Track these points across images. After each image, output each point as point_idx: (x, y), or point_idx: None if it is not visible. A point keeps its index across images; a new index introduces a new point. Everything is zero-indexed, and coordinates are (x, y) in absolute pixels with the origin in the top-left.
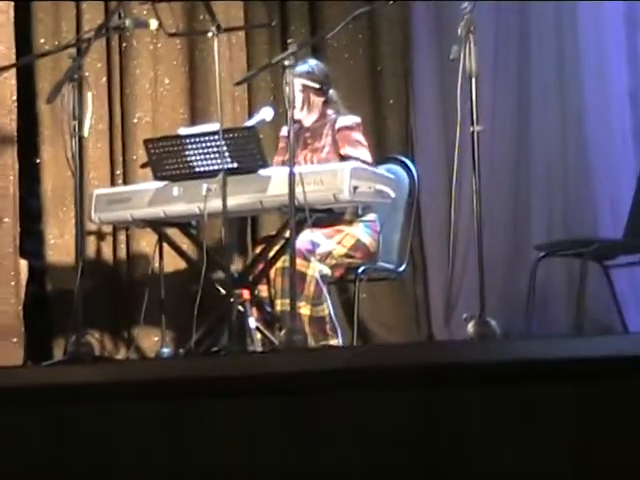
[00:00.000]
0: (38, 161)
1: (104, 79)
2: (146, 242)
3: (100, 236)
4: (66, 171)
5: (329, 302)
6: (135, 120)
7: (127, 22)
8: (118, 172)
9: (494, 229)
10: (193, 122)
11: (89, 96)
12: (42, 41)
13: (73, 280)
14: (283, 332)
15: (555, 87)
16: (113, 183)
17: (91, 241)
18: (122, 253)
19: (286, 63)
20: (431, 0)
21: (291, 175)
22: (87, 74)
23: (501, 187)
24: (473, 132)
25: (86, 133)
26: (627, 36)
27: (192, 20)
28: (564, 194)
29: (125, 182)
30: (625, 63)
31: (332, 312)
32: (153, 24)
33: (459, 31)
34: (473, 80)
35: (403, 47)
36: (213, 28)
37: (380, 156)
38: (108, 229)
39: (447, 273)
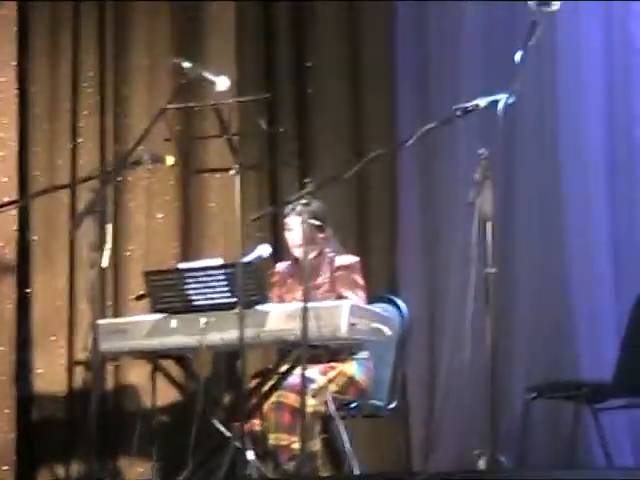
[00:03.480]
0: (29, 291)
1: None
2: (136, 374)
3: (88, 366)
4: (55, 301)
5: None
6: (127, 253)
7: (144, 157)
8: (109, 303)
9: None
10: (185, 257)
11: (109, 228)
12: (37, 173)
13: (58, 410)
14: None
15: (538, 232)
16: (103, 315)
17: (78, 372)
18: (109, 385)
19: (303, 202)
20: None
21: (304, 310)
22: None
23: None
24: (487, 274)
25: (105, 263)
26: (609, 183)
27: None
28: (545, 339)
29: (115, 314)
30: (605, 214)
31: (348, 445)
32: (169, 160)
33: (476, 176)
34: (488, 224)
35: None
36: (236, 165)
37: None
38: None
39: (428, 408)
